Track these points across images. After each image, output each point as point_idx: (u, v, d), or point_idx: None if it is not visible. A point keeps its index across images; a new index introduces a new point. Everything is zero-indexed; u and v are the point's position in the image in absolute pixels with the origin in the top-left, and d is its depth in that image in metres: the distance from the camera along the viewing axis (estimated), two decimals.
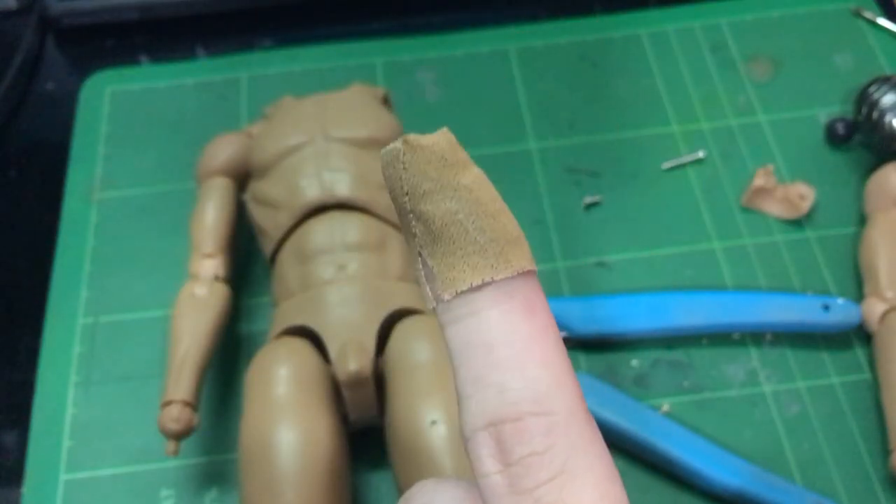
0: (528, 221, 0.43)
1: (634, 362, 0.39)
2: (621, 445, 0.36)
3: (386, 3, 0.53)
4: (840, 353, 0.39)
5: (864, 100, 0.43)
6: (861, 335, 0.39)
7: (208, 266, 0.38)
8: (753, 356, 0.39)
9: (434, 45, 0.50)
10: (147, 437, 0.37)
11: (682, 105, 0.47)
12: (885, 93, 0.42)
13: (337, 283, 0.35)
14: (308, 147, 0.38)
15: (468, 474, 0.30)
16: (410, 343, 0.34)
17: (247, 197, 0.40)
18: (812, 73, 0.48)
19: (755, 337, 0.39)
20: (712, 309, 0.39)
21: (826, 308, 0.38)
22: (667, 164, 0.45)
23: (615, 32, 0.50)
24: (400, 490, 0.32)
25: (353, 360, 0.33)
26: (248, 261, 0.42)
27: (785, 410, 0.37)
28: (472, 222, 0.18)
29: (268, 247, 0.38)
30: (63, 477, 0.37)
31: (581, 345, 0.39)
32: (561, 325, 0.39)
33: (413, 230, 0.19)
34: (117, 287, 0.42)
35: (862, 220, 0.42)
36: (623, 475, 0.36)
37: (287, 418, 0.32)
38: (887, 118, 0.42)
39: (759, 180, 0.43)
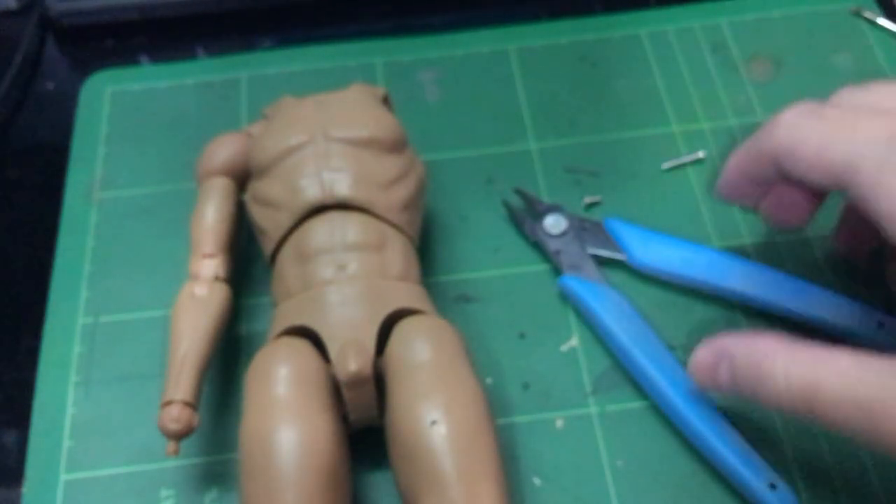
0: None
1: None
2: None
3: (386, 3, 0.53)
4: None
5: None
6: (861, 335, 0.39)
7: (208, 266, 0.38)
8: None
9: (434, 45, 0.50)
10: (147, 437, 0.37)
11: (682, 105, 0.47)
12: None
13: (337, 283, 0.35)
14: (308, 147, 0.38)
15: (469, 474, 0.30)
16: (410, 343, 0.34)
17: (247, 197, 0.40)
18: (812, 73, 0.48)
19: None
20: (768, 286, 0.39)
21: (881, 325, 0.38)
22: (667, 164, 0.45)
23: (615, 32, 0.50)
24: (400, 490, 0.32)
25: (353, 360, 0.33)
26: (248, 261, 0.42)
27: None
28: None
29: (268, 247, 0.38)
30: (63, 477, 0.37)
31: (636, 275, 0.41)
32: (619, 248, 0.41)
33: None
34: (117, 287, 0.42)
35: None
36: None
37: (287, 418, 0.32)
38: None
39: None
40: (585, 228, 0.42)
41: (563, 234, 0.41)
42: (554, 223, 0.42)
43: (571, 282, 0.40)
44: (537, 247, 0.42)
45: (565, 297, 0.41)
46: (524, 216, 0.42)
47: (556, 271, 0.41)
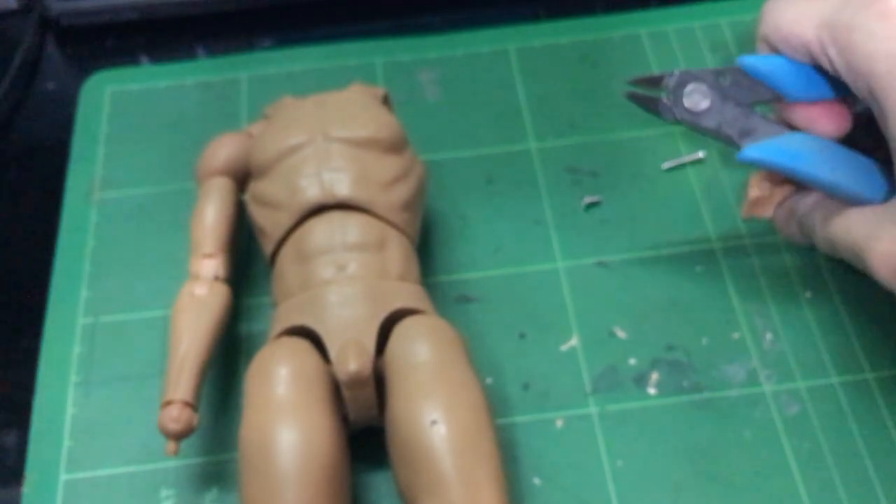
0: (528, 221, 0.43)
1: (632, 361, 0.39)
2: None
3: (386, 3, 0.53)
4: (840, 353, 0.39)
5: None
6: (861, 334, 0.39)
7: (208, 266, 0.38)
8: (753, 356, 0.39)
9: (434, 45, 0.50)
10: (147, 437, 0.37)
11: None
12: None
13: (337, 283, 0.35)
14: (308, 147, 0.38)
15: (469, 475, 0.30)
16: (410, 343, 0.34)
17: (247, 197, 0.40)
18: None
19: (755, 337, 0.39)
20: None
21: None
22: (667, 164, 0.45)
23: (615, 32, 0.50)
24: (400, 490, 0.32)
25: (353, 360, 0.33)
26: (248, 261, 0.42)
27: (785, 410, 0.38)
28: None
29: (268, 247, 0.38)
30: (63, 477, 0.37)
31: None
32: (775, 88, 0.36)
33: None
34: (117, 287, 0.42)
35: None
36: None
37: (287, 418, 0.32)
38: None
39: (754, 191, 0.42)
40: (727, 82, 0.36)
41: (710, 105, 0.36)
42: (695, 100, 0.36)
43: (756, 151, 0.35)
44: (689, 129, 0.37)
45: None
46: (655, 101, 0.36)
47: (726, 150, 0.37)
